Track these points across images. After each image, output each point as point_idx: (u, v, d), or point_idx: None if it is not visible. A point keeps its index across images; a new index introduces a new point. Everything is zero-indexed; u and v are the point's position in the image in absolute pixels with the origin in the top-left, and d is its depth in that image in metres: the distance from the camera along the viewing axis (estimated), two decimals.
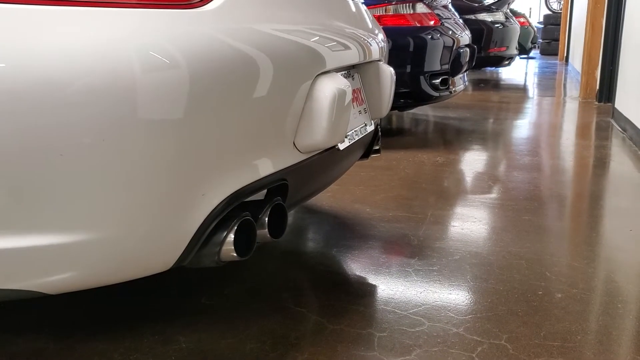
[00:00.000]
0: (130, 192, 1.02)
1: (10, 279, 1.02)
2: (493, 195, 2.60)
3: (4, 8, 0.94)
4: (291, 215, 2.30)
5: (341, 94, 1.37)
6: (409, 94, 3.69)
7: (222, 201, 1.13)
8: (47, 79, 0.94)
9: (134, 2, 1.02)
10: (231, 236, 1.16)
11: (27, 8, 0.95)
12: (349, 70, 1.66)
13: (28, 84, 0.93)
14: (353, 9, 1.76)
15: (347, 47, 1.54)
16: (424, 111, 5.18)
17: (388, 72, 1.82)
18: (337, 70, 1.53)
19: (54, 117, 0.95)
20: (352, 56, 1.57)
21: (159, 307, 1.56)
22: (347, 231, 2.13)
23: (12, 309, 1.54)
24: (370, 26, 1.84)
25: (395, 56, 3.49)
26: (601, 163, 3.24)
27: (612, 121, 4.56)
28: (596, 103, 5.60)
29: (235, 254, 1.17)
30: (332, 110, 1.34)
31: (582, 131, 4.25)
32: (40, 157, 0.96)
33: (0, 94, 0.92)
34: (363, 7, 1.90)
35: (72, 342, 1.39)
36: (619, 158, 3.36)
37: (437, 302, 1.59)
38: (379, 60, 1.82)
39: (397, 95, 3.63)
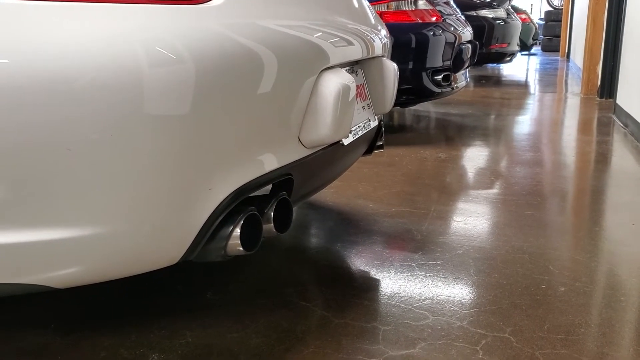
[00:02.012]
0: (137, 186, 1.03)
1: (18, 274, 1.02)
2: (495, 191, 2.61)
3: (11, 3, 0.95)
4: (295, 211, 2.31)
5: (345, 90, 1.37)
6: (411, 90, 3.70)
7: (228, 196, 1.14)
8: (54, 75, 0.94)
9: None
10: (237, 230, 1.17)
11: (34, 4, 0.96)
12: (353, 66, 1.67)
13: (35, 80, 0.94)
14: (356, 4, 1.77)
15: (350, 43, 1.54)
16: (426, 107, 5.18)
17: (391, 68, 1.83)
18: (341, 65, 1.53)
19: (61, 112, 0.96)
20: (356, 52, 1.58)
21: (164, 302, 1.57)
22: (350, 227, 2.14)
23: (18, 304, 1.55)
24: (373, 22, 1.85)
25: (397, 53, 3.49)
26: (603, 158, 3.24)
27: (614, 117, 4.57)
28: (598, 99, 5.60)
29: (241, 248, 1.18)
30: (337, 106, 1.35)
31: (583, 127, 4.26)
32: (48, 152, 0.97)
33: (8, 89, 0.93)
34: (366, 3, 1.91)
35: (79, 337, 1.40)
36: (620, 153, 3.36)
37: (441, 296, 1.60)
38: (382, 56, 1.83)
39: (399, 91, 3.63)
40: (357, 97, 1.66)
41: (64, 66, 0.95)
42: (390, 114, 4.80)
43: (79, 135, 0.97)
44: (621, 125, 4.21)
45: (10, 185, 0.97)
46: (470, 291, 1.63)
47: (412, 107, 5.13)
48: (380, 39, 1.81)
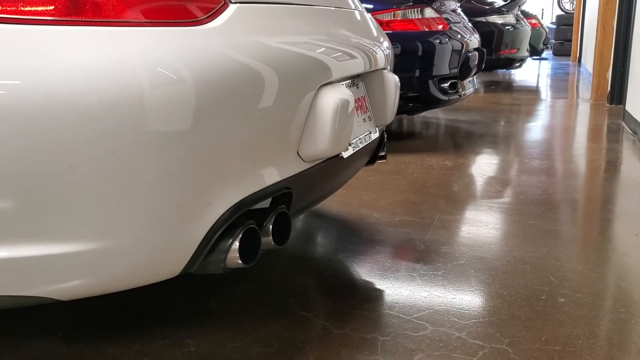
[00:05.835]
0: (138, 202, 1.06)
1: (25, 286, 1.06)
2: (500, 200, 2.62)
3: (16, 28, 0.99)
4: (299, 220, 2.34)
5: (344, 104, 1.40)
6: (417, 98, 3.72)
7: (228, 210, 1.17)
8: (59, 96, 0.98)
9: (143, 20, 1.06)
10: (236, 244, 1.20)
11: (40, 29, 1.00)
12: (354, 79, 1.69)
13: (42, 100, 0.97)
14: (358, 17, 1.80)
15: (352, 57, 1.57)
16: (435, 114, 5.20)
17: (392, 80, 1.85)
18: (342, 79, 1.56)
19: (66, 132, 0.99)
20: (357, 66, 1.60)
21: (168, 311, 1.60)
22: (354, 236, 2.17)
23: (24, 313, 1.59)
24: (375, 34, 1.87)
25: (404, 61, 3.52)
26: (611, 166, 3.24)
27: (623, 123, 4.55)
28: (607, 105, 5.58)
29: (240, 261, 1.21)
30: (335, 120, 1.37)
31: (592, 134, 4.25)
32: (53, 170, 1.00)
33: (16, 109, 0.97)
34: (368, 16, 1.93)
35: (83, 346, 1.43)
36: (628, 161, 3.36)
37: (441, 307, 1.61)
38: (383, 69, 1.85)
39: (407, 99, 3.66)
40: (357, 109, 1.69)
41: (69, 87, 0.98)
42: (398, 121, 4.82)
43: (82, 154, 1.01)
44: (630, 132, 4.20)
45: (17, 201, 1.00)
46: (470, 302, 1.64)
47: (421, 114, 5.15)
48: (382, 51, 1.84)
